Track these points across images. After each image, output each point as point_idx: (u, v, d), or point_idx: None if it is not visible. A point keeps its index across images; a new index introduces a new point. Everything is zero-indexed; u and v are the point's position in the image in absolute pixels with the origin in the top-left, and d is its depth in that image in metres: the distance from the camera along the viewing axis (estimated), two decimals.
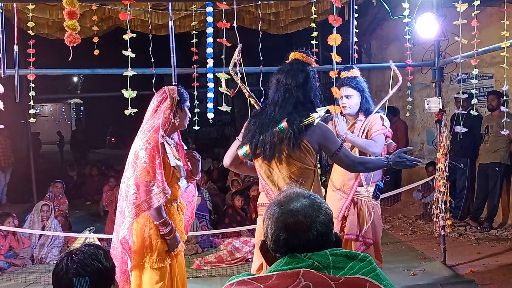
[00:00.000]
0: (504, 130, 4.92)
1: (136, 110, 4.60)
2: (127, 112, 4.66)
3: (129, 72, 4.70)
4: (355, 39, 4.88)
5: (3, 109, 4.42)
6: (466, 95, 5.92)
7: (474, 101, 4.76)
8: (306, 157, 3.12)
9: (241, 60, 3.80)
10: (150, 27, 5.51)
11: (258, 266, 3.25)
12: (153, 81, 4.63)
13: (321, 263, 1.43)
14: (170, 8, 4.90)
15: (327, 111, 3.47)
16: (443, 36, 5.24)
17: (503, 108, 5.37)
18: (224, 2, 4.67)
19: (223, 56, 4.68)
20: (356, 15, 4.90)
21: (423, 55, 6.45)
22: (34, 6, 5.08)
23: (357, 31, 4.89)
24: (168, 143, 3.33)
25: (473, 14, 4.43)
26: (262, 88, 4.30)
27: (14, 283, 5.66)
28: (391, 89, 4.23)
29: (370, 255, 1.50)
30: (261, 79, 4.76)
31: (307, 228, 1.47)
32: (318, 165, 3.31)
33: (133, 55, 4.56)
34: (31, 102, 4.85)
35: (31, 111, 4.89)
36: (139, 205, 3.15)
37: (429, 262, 5.76)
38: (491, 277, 5.24)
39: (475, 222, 7.38)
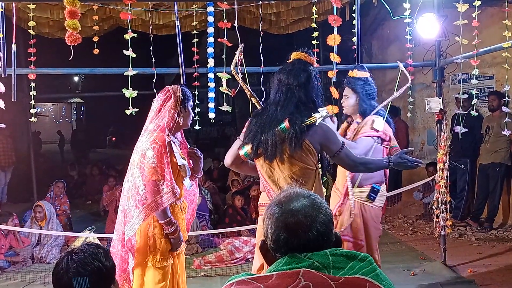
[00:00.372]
0: (506, 130, 4.92)
1: (137, 109, 4.61)
2: (128, 112, 4.66)
3: (130, 72, 4.70)
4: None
5: (4, 108, 4.43)
6: (466, 96, 5.92)
7: (474, 101, 4.76)
8: (308, 157, 3.12)
9: (243, 60, 3.80)
10: (151, 27, 5.51)
11: (259, 266, 3.25)
12: (154, 80, 4.63)
13: (321, 263, 1.43)
14: (176, 8, 4.91)
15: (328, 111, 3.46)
16: (444, 37, 5.24)
17: (504, 109, 5.38)
18: (225, 2, 4.67)
19: (224, 56, 4.68)
20: None
21: (424, 55, 6.45)
22: (35, 5, 5.08)
23: (359, 30, 4.89)
24: (174, 142, 3.33)
25: (473, 15, 4.43)
26: (262, 88, 4.31)
27: (14, 282, 5.67)
28: (396, 91, 4.18)
29: None
30: (261, 79, 4.76)
31: (307, 228, 1.47)
32: (319, 165, 3.31)
33: (134, 55, 4.56)
34: (32, 102, 4.86)
35: (32, 111, 4.90)
36: (148, 205, 3.14)
37: (429, 262, 5.77)
38: (491, 278, 5.24)
39: (475, 222, 7.38)
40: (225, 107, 4.83)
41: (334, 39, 4.38)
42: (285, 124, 3.09)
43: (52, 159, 17.23)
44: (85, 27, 5.65)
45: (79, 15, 3.98)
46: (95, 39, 5.12)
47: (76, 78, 26.45)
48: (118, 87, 4.85)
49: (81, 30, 3.98)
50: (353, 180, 3.94)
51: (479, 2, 4.39)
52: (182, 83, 4.49)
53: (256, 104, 3.58)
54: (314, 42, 4.83)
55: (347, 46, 5.02)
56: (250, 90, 3.60)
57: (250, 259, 6.01)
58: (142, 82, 5.38)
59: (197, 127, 4.95)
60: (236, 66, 3.81)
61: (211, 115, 4.98)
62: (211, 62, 4.93)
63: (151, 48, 4.82)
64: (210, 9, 4.94)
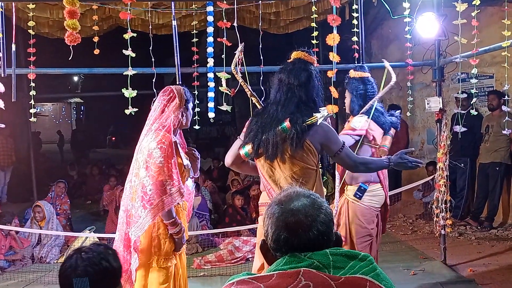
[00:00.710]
0: (506, 130, 4.92)
1: (137, 109, 4.60)
2: (127, 112, 4.66)
3: (130, 72, 4.70)
4: (356, 39, 4.88)
5: (3, 108, 4.42)
6: (465, 95, 5.92)
7: (474, 100, 4.76)
8: (309, 157, 3.12)
9: (243, 59, 3.79)
10: (150, 27, 5.51)
11: (259, 266, 3.25)
12: (154, 80, 4.63)
13: (322, 263, 1.43)
14: (173, 7, 4.90)
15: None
16: (443, 36, 5.24)
17: (504, 108, 5.38)
18: (225, 2, 4.67)
19: (223, 56, 4.68)
20: (356, 15, 4.90)
21: (424, 54, 6.45)
22: (34, 5, 5.08)
23: (357, 30, 4.89)
24: (178, 143, 3.34)
25: (473, 14, 4.43)
26: (262, 88, 4.30)
27: (15, 282, 5.66)
28: (382, 88, 4.19)
29: None
30: (261, 78, 4.76)
31: (308, 227, 1.47)
32: (320, 165, 3.31)
33: (133, 55, 4.56)
34: (32, 101, 4.85)
35: (32, 110, 4.89)
36: (156, 205, 3.13)
37: (429, 261, 5.77)
38: (491, 277, 5.25)
39: (475, 221, 7.38)
40: (225, 107, 4.83)
41: (333, 39, 4.38)
42: (286, 123, 3.09)
43: (52, 159, 17.23)
44: (84, 27, 5.64)
45: (78, 15, 3.97)
46: (95, 39, 5.12)
47: (75, 78, 26.46)
48: (118, 87, 4.84)
49: (80, 30, 3.97)
50: (350, 179, 3.99)
51: (478, 1, 4.39)
52: (178, 83, 4.48)
53: (256, 103, 3.58)
54: (314, 41, 4.83)
55: (347, 46, 5.03)
56: (250, 89, 3.60)
57: (250, 259, 6.02)
58: (141, 82, 5.37)
59: (196, 127, 4.95)
60: (236, 65, 3.81)
61: (211, 114, 4.98)
62: (210, 61, 4.92)
63: (150, 48, 4.81)
64: (210, 8, 4.94)
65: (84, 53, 4.90)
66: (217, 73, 4.82)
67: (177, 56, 4.81)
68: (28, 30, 4.87)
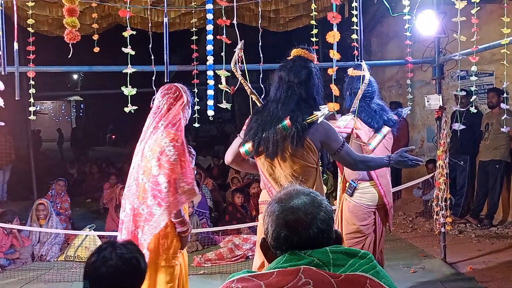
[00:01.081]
0: (505, 127, 4.92)
1: (136, 107, 4.60)
2: (127, 110, 4.65)
3: (129, 70, 4.69)
4: (355, 36, 4.87)
5: (3, 106, 4.42)
6: (464, 92, 5.92)
7: (473, 98, 4.76)
8: (309, 155, 3.12)
9: (243, 57, 3.79)
10: (150, 25, 5.50)
11: (260, 264, 3.24)
12: (153, 78, 4.62)
13: (322, 260, 1.43)
14: (165, 4, 4.89)
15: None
16: (443, 33, 5.23)
17: (503, 105, 5.37)
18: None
19: (223, 53, 4.67)
20: (356, 12, 4.89)
21: (423, 52, 6.44)
22: (34, 3, 5.07)
23: (357, 28, 4.88)
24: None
25: (473, 11, 4.42)
26: (262, 85, 4.30)
27: (15, 280, 5.66)
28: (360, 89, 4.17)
29: None
30: (261, 76, 4.75)
31: (308, 225, 1.47)
32: (320, 162, 3.31)
33: (132, 52, 4.55)
34: (31, 100, 4.85)
35: (31, 109, 4.89)
36: (171, 202, 3.12)
37: (429, 259, 5.77)
38: (491, 275, 5.25)
39: (475, 219, 7.38)
40: (224, 105, 4.83)
41: (333, 36, 4.37)
42: (286, 122, 3.09)
43: (51, 157, 17.23)
44: (84, 25, 5.65)
45: (78, 13, 3.98)
46: (95, 37, 5.11)
47: (75, 76, 26.47)
48: (117, 85, 4.84)
49: (80, 27, 3.98)
50: (346, 175, 4.06)
51: None
52: (166, 80, 4.47)
53: (256, 101, 3.58)
54: (314, 39, 4.83)
55: (347, 43, 5.02)
56: (250, 87, 3.59)
57: (250, 257, 6.02)
58: (141, 79, 5.37)
59: (196, 125, 4.95)
60: (236, 63, 3.80)
61: (210, 112, 4.97)
62: (210, 59, 4.92)
63: (150, 46, 4.81)
64: (209, 6, 4.93)
65: (83, 51, 4.89)
66: (216, 71, 4.81)
67: (167, 53, 4.78)
68: (28, 28, 4.87)
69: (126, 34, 4.53)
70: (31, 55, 4.80)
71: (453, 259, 5.67)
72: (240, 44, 3.81)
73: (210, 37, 4.91)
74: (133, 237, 3.23)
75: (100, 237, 6.62)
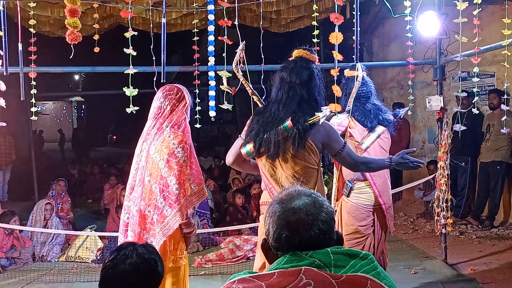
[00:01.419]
0: (504, 128, 4.91)
1: (138, 108, 4.60)
2: (128, 110, 4.65)
3: (130, 70, 4.70)
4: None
5: (4, 106, 4.42)
6: (465, 94, 5.91)
7: (475, 99, 4.76)
8: (310, 156, 3.12)
9: (244, 57, 3.79)
10: (151, 25, 5.50)
11: (261, 265, 3.24)
12: (154, 79, 4.63)
13: (323, 261, 1.43)
14: (164, 5, 4.89)
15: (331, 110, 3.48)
16: (444, 34, 5.23)
17: (503, 107, 5.37)
18: (226, 0, 4.67)
19: (224, 54, 4.68)
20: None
21: (425, 53, 6.44)
22: (35, 4, 5.08)
23: (359, 29, 4.88)
24: None
25: (474, 12, 4.42)
26: (263, 86, 4.30)
27: (15, 280, 5.67)
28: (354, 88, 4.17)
29: None
30: (262, 77, 4.75)
31: (309, 225, 1.47)
32: (321, 164, 3.30)
33: (134, 53, 4.56)
34: (33, 100, 4.85)
35: (33, 109, 4.89)
36: (183, 204, 3.12)
37: (430, 260, 5.77)
38: (492, 276, 5.24)
39: (476, 220, 7.38)
40: (226, 106, 4.83)
41: (336, 37, 4.37)
42: (288, 123, 3.08)
43: (53, 158, 17.24)
44: (85, 26, 5.64)
45: (79, 13, 3.98)
46: (96, 37, 5.12)
47: (76, 77, 26.47)
48: (119, 85, 4.84)
49: (81, 28, 3.97)
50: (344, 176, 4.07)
51: (479, 0, 4.38)
52: (162, 81, 4.48)
53: (257, 102, 3.58)
54: (315, 40, 4.83)
55: (348, 44, 5.01)
56: (251, 87, 3.59)
57: (251, 258, 6.02)
58: (142, 80, 5.37)
59: (197, 126, 4.95)
60: (237, 64, 3.80)
61: (212, 113, 4.97)
62: (211, 60, 4.92)
63: (151, 47, 4.81)
64: (211, 7, 4.94)
65: (85, 51, 4.89)
66: (218, 72, 4.81)
67: (163, 53, 4.78)
68: (29, 29, 4.87)
69: (128, 34, 4.53)
70: (32, 55, 4.81)
71: (454, 260, 5.67)
72: (241, 45, 3.82)
73: (211, 38, 4.91)
74: (139, 239, 3.21)
75: (101, 237, 6.62)
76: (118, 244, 3.34)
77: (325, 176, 3.57)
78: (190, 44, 5.22)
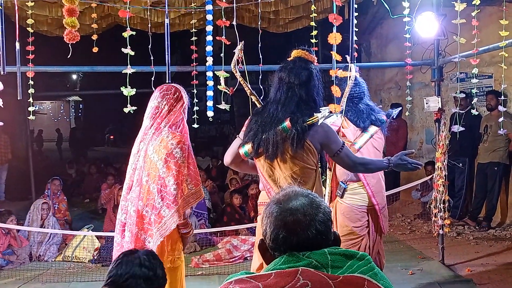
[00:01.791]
0: (502, 129, 4.92)
1: (135, 107, 4.59)
2: (126, 110, 4.65)
3: (128, 70, 4.69)
4: (355, 38, 4.87)
5: (2, 106, 4.41)
6: (463, 95, 5.91)
7: (474, 100, 4.76)
8: (308, 157, 3.12)
9: (243, 58, 3.78)
10: (149, 25, 5.51)
11: (258, 265, 3.23)
12: (152, 79, 4.62)
13: (320, 262, 1.43)
14: (166, 5, 4.89)
15: (330, 111, 3.47)
16: (442, 35, 5.24)
17: (500, 108, 5.38)
18: (224, 0, 4.66)
19: (222, 54, 4.67)
20: (356, 14, 4.89)
21: (423, 54, 6.43)
22: (33, 3, 5.07)
23: (356, 30, 4.88)
24: None
25: (473, 14, 4.43)
26: (261, 87, 4.30)
27: (12, 280, 5.66)
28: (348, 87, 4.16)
29: None
30: (260, 77, 4.75)
31: (306, 226, 1.47)
32: (319, 164, 3.30)
33: (132, 53, 4.55)
34: (30, 100, 4.84)
35: (30, 109, 4.88)
36: (180, 204, 3.11)
37: (427, 261, 5.77)
38: (489, 277, 5.25)
39: (473, 221, 7.39)
40: (224, 106, 4.82)
41: (335, 38, 4.37)
42: (287, 123, 3.08)
43: (50, 157, 17.22)
44: (83, 25, 5.65)
45: (77, 13, 3.97)
46: (94, 37, 5.11)
47: (74, 76, 26.41)
48: (117, 85, 4.84)
49: (79, 28, 3.96)
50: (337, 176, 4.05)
51: (478, 1, 4.38)
52: (168, 81, 4.48)
53: (256, 102, 3.57)
54: (313, 40, 4.83)
55: (346, 45, 5.02)
56: (249, 87, 3.59)
57: (248, 258, 6.02)
58: (140, 80, 5.36)
59: (195, 126, 4.95)
60: (236, 64, 3.80)
61: (210, 113, 4.97)
62: (209, 60, 4.92)
63: (149, 46, 4.81)
64: (209, 7, 4.93)
65: (83, 51, 4.89)
66: (216, 72, 4.81)
67: (168, 54, 4.79)
68: (27, 28, 4.86)
69: (126, 34, 4.52)
70: (30, 55, 4.80)
71: (451, 261, 5.67)
72: (239, 45, 3.81)
73: (209, 38, 4.91)
74: (137, 239, 3.20)
75: (98, 237, 6.61)
76: (115, 244, 3.35)
77: (323, 176, 3.56)
78: (188, 44, 5.21)
